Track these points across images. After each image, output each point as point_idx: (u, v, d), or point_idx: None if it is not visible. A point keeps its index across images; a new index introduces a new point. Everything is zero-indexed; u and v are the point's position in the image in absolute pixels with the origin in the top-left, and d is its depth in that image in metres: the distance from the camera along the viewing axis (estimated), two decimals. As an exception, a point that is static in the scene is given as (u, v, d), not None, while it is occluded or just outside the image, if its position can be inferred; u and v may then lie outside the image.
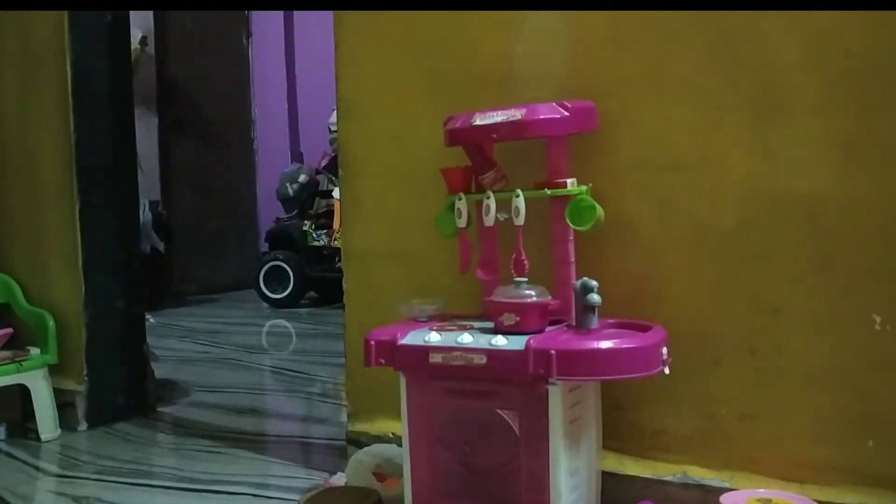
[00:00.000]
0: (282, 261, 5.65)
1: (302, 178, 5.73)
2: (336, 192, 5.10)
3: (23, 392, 2.66)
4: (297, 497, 1.92)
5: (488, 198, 1.63)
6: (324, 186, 5.74)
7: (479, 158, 1.69)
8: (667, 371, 1.48)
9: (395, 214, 2.01)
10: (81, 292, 2.71)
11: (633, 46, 1.68)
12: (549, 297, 1.54)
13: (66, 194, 2.73)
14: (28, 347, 2.67)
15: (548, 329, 1.52)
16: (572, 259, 1.63)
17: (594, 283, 1.49)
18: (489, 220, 1.63)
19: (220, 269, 6.73)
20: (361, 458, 1.89)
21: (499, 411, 1.52)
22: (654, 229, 1.68)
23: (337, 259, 5.21)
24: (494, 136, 1.60)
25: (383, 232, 2.04)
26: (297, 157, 6.61)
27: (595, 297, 1.48)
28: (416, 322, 1.67)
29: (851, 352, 1.51)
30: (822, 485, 1.54)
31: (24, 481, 2.25)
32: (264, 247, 6.16)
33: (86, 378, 2.73)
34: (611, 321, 1.59)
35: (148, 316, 3.16)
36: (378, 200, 2.05)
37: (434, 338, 1.53)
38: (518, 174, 1.67)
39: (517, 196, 1.58)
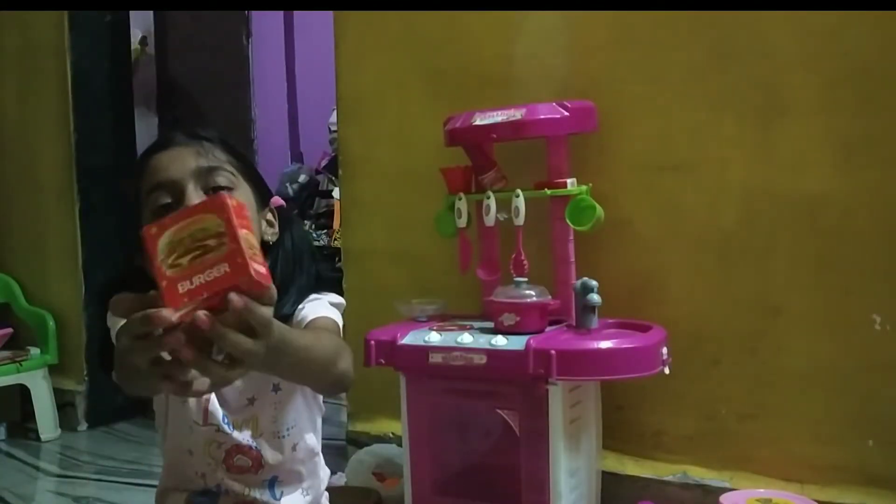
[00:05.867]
0: (281, 262, 5.64)
1: (302, 178, 5.72)
2: (336, 192, 5.09)
3: (23, 392, 2.66)
4: (297, 497, 1.92)
5: (488, 198, 1.63)
6: (324, 186, 5.73)
7: (479, 158, 1.69)
8: (667, 371, 1.48)
9: (395, 214, 2.01)
10: (81, 292, 2.71)
11: (633, 46, 1.68)
12: (549, 297, 1.54)
13: (66, 194, 2.73)
14: (28, 347, 2.67)
15: (548, 329, 1.52)
16: (572, 259, 1.63)
17: (594, 283, 1.49)
18: (489, 220, 1.63)
19: (221, 269, 6.72)
20: (361, 458, 1.89)
21: (499, 411, 1.52)
22: (654, 229, 1.68)
23: (337, 259, 5.20)
24: (494, 136, 1.60)
25: (383, 232, 2.04)
26: (297, 157, 6.60)
27: (595, 297, 1.48)
28: (416, 322, 1.67)
29: (851, 352, 1.51)
30: (822, 485, 1.53)
31: (25, 481, 2.25)
32: (264, 247, 6.15)
33: (86, 378, 2.73)
34: (611, 321, 1.59)
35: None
36: (378, 200, 2.05)
37: (434, 338, 1.53)
38: (518, 174, 1.67)
39: (517, 196, 1.58)
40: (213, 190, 0.98)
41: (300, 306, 1.07)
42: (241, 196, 1.01)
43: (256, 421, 1.07)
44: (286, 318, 1.05)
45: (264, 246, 1.07)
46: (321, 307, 1.07)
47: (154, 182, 0.99)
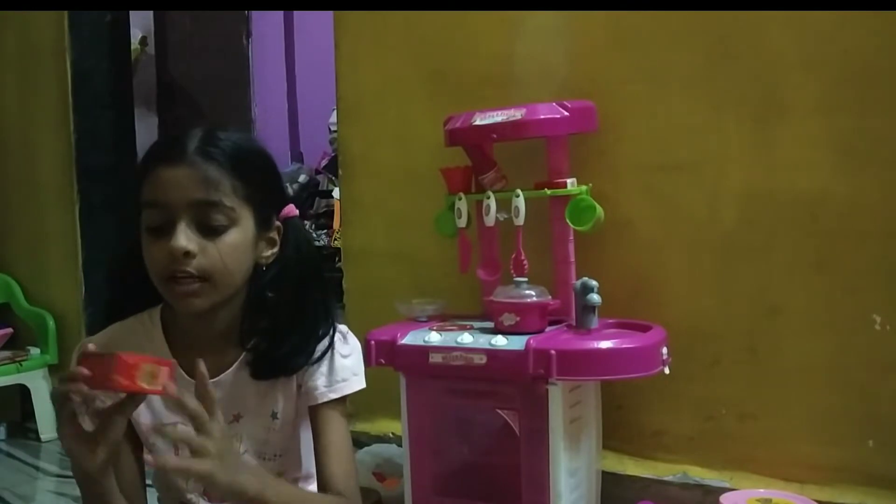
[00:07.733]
0: (281, 261, 5.63)
1: (302, 178, 5.71)
2: (336, 192, 5.09)
3: (23, 392, 2.66)
4: (297, 497, 1.92)
5: (488, 198, 1.63)
6: (324, 186, 5.72)
7: (479, 158, 1.69)
8: (667, 371, 1.48)
9: (395, 214, 2.01)
10: (81, 292, 2.71)
11: (633, 46, 1.68)
12: (549, 297, 1.54)
13: (66, 194, 2.73)
14: (28, 347, 2.67)
15: (548, 329, 1.52)
16: (572, 259, 1.63)
17: (594, 283, 1.49)
18: (489, 220, 1.63)
19: (221, 269, 6.71)
20: (361, 458, 1.89)
21: (499, 411, 1.52)
22: (654, 229, 1.68)
23: (337, 259, 5.18)
24: (494, 136, 1.60)
25: (383, 232, 2.04)
26: (297, 157, 6.60)
27: (595, 297, 1.48)
28: (416, 322, 1.67)
29: (851, 352, 1.51)
30: (822, 485, 1.53)
31: (25, 481, 2.25)
32: (264, 247, 6.14)
33: (86, 378, 2.72)
34: (611, 321, 1.58)
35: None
36: (378, 200, 2.05)
37: (434, 338, 1.53)
38: (518, 174, 1.67)
39: (517, 196, 1.58)
40: (204, 227, 0.94)
41: (314, 360, 1.02)
42: (237, 233, 0.96)
43: (240, 440, 1.03)
44: (292, 368, 1.01)
45: (257, 270, 1.01)
46: (340, 382, 1.03)
47: (151, 198, 0.96)
